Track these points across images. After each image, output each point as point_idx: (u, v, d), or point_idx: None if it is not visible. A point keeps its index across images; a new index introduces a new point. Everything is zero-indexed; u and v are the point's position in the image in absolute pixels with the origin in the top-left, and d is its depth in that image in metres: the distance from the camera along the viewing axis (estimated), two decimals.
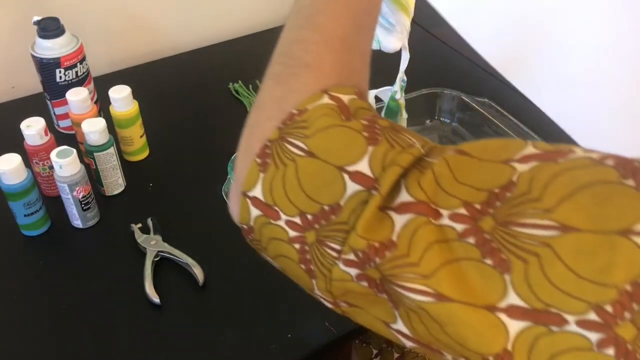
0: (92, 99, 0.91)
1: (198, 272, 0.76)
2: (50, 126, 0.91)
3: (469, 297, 0.32)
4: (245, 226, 0.42)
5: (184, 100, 1.07)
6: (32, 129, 0.80)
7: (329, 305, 0.41)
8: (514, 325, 0.31)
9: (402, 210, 0.35)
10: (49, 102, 0.96)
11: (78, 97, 0.86)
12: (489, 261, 0.32)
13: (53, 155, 0.77)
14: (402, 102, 0.78)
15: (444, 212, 0.34)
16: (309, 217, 0.38)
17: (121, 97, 0.87)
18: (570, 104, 1.44)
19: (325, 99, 0.40)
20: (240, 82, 1.09)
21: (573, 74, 1.67)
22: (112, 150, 0.84)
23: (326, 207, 0.37)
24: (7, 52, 1.04)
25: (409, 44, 0.73)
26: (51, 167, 0.80)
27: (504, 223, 0.32)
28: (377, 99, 0.83)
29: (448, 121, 1.05)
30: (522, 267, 0.31)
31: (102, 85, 0.97)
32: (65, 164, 0.76)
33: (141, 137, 0.92)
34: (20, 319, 0.73)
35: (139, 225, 0.82)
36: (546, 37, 1.61)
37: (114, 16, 1.11)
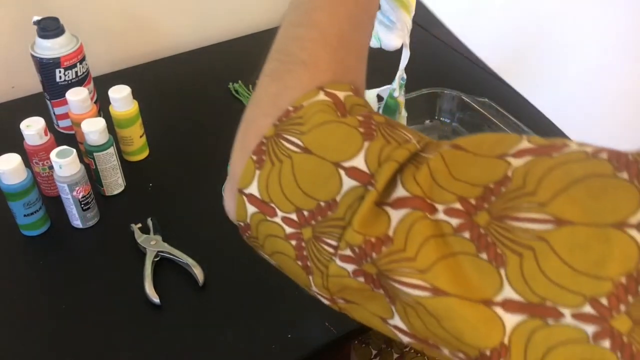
0: (91, 99, 0.91)
1: (198, 272, 0.76)
2: (50, 126, 0.91)
3: (465, 291, 0.32)
4: (242, 223, 0.42)
5: (184, 100, 1.07)
6: (32, 129, 0.80)
7: (326, 302, 0.41)
8: (510, 319, 0.31)
9: (398, 205, 0.35)
10: (48, 102, 0.96)
11: (78, 97, 0.86)
12: (484, 255, 0.32)
13: (53, 155, 0.77)
14: (401, 100, 0.78)
15: (440, 207, 0.34)
16: (305, 213, 0.38)
17: (121, 97, 0.87)
18: (569, 105, 1.44)
19: (321, 96, 0.40)
20: (240, 82, 1.09)
21: (572, 75, 1.67)
22: (111, 150, 0.83)
23: (322, 203, 0.37)
24: (7, 52, 1.04)
25: (409, 43, 0.73)
26: (51, 167, 0.80)
27: (499, 217, 0.32)
28: (380, 98, 0.82)
29: (448, 121, 1.05)
30: (517, 261, 0.31)
31: (101, 85, 0.97)
32: (65, 164, 0.76)
33: (141, 137, 0.92)
34: (20, 319, 0.73)
35: (139, 225, 0.82)
36: (545, 40, 1.61)
37: (114, 16, 1.11)
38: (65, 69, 0.91)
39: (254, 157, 0.40)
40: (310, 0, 0.44)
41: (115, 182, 0.87)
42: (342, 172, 0.37)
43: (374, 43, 0.70)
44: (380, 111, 0.79)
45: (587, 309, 0.29)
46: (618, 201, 0.30)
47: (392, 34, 0.69)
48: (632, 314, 0.29)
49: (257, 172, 0.40)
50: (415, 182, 0.35)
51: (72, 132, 0.92)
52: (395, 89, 0.76)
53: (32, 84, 0.98)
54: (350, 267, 0.37)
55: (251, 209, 0.41)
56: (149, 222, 0.82)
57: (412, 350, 0.84)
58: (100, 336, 0.71)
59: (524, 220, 0.31)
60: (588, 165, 0.32)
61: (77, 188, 0.78)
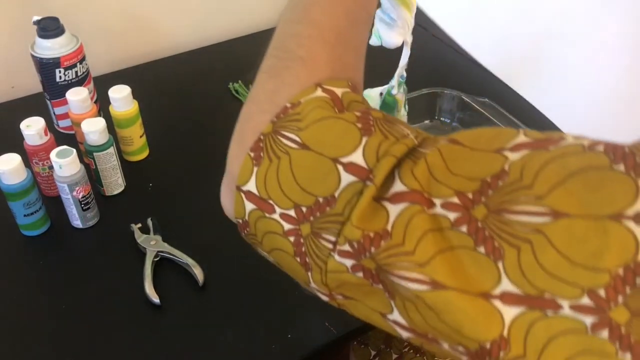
0: (91, 99, 0.91)
1: (198, 272, 0.75)
2: (50, 126, 0.91)
3: (464, 285, 0.32)
4: (240, 221, 0.42)
5: (184, 100, 1.07)
6: (32, 128, 0.80)
7: (325, 299, 0.41)
8: (509, 312, 0.31)
9: (396, 200, 0.35)
10: (48, 102, 0.96)
11: (78, 97, 0.86)
12: (481, 249, 0.32)
13: (53, 155, 0.77)
14: (400, 97, 0.77)
15: (437, 201, 0.34)
16: (304, 209, 0.38)
17: (121, 97, 0.87)
18: (569, 105, 1.44)
19: (319, 92, 0.40)
20: (240, 82, 1.09)
21: (572, 75, 1.67)
22: (111, 150, 0.83)
23: (321, 199, 0.37)
24: (6, 52, 1.04)
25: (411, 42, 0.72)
26: (51, 167, 0.80)
27: (496, 211, 0.32)
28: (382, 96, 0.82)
29: (448, 121, 1.05)
30: (515, 254, 0.31)
31: (101, 85, 0.97)
32: (65, 164, 0.76)
33: (141, 137, 0.92)
34: (20, 319, 0.73)
35: (139, 225, 0.81)
36: (545, 41, 1.61)
37: (114, 16, 1.11)
38: (65, 68, 0.91)
39: (252, 154, 0.40)
40: None
41: (115, 182, 0.87)
42: (340, 168, 0.37)
43: (374, 41, 0.70)
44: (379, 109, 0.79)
45: (585, 300, 0.30)
46: (615, 193, 0.30)
47: (393, 31, 0.69)
48: (630, 305, 0.29)
49: (255, 169, 0.40)
50: (413, 176, 0.35)
51: (72, 132, 0.92)
52: (393, 86, 0.76)
53: (32, 83, 0.98)
54: (349, 263, 0.37)
55: (249, 206, 0.41)
56: (149, 222, 0.82)
57: (411, 351, 0.83)
58: (100, 336, 0.71)
59: (521, 214, 0.32)
60: (585, 158, 0.32)
61: (77, 188, 0.78)
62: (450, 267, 0.33)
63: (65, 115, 0.93)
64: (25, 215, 0.79)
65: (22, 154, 0.77)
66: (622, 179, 0.30)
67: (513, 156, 0.33)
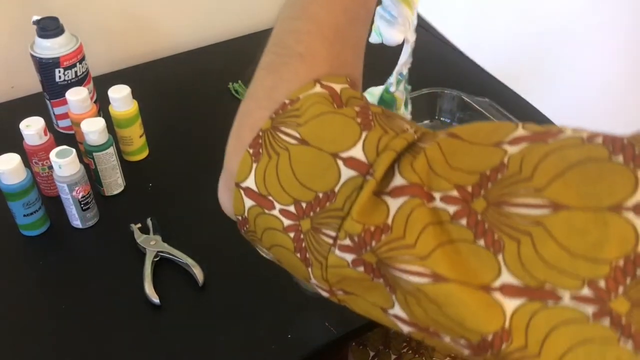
0: (91, 99, 0.91)
1: (198, 273, 0.75)
2: (50, 126, 0.91)
3: (464, 277, 0.32)
4: (239, 217, 0.42)
5: (184, 100, 1.07)
6: (32, 128, 0.80)
7: (325, 294, 0.41)
8: (509, 304, 0.31)
9: (396, 193, 0.35)
10: (48, 102, 0.96)
11: (77, 97, 0.86)
12: (481, 242, 0.32)
13: (52, 155, 0.77)
14: (400, 96, 0.77)
15: (437, 195, 0.34)
16: (304, 205, 0.38)
17: (120, 96, 0.87)
18: (569, 105, 1.44)
19: (317, 88, 0.40)
20: (240, 82, 1.09)
21: (572, 76, 1.67)
22: (111, 150, 0.83)
23: (320, 195, 0.37)
24: (6, 52, 1.04)
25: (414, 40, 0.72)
26: (50, 167, 0.80)
27: (496, 204, 0.32)
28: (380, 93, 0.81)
29: (448, 121, 1.05)
30: (515, 246, 0.31)
31: (101, 85, 0.97)
32: (64, 164, 0.76)
33: (141, 137, 0.92)
34: (20, 319, 0.73)
35: (139, 225, 0.81)
36: (544, 42, 1.61)
37: (114, 16, 1.11)
38: (65, 68, 0.91)
39: (251, 151, 0.40)
40: None
41: (114, 182, 0.87)
42: (340, 163, 0.37)
43: (375, 38, 0.70)
44: None
45: (586, 291, 0.30)
46: (614, 185, 0.30)
47: (394, 29, 0.68)
48: (630, 295, 0.29)
49: (254, 165, 0.40)
50: (413, 170, 0.35)
51: (72, 132, 0.92)
52: (392, 83, 0.75)
53: (31, 83, 0.98)
54: (349, 257, 0.37)
55: (248, 202, 0.40)
56: (149, 222, 0.82)
57: (410, 352, 0.83)
58: (100, 336, 0.71)
59: (521, 206, 0.32)
60: (583, 150, 0.32)
61: (76, 188, 0.78)
62: (450, 260, 0.33)
63: (65, 115, 0.93)
64: (24, 215, 0.79)
65: (21, 154, 0.77)
66: (621, 171, 0.30)
67: (512, 149, 0.33)
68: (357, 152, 0.37)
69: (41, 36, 0.89)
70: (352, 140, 0.38)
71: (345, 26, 0.44)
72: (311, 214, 0.38)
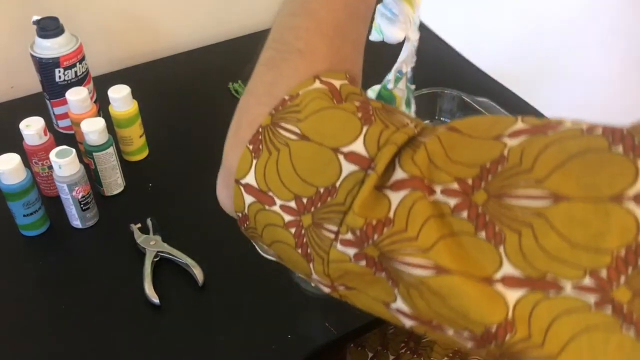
0: (91, 99, 0.91)
1: (198, 273, 0.75)
2: (50, 126, 0.91)
3: (467, 269, 0.32)
4: (239, 214, 0.42)
5: (184, 100, 1.07)
6: (32, 128, 0.80)
7: (326, 290, 0.41)
8: (512, 295, 0.31)
9: (397, 187, 0.35)
10: (48, 102, 0.96)
11: (77, 97, 0.86)
12: (482, 234, 0.32)
13: (52, 155, 0.77)
14: (399, 94, 0.76)
15: (437, 188, 0.34)
16: (305, 200, 0.38)
17: (120, 96, 0.87)
18: (569, 105, 1.44)
19: (317, 84, 0.40)
20: (240, 82, 1.09)
21: (571, 76, 1.67)
22: (111, 150, 0.83)
23: (321, 190, 0.37)
24: (6, 52, 1.04)
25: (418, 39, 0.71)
26: (50, 167, 0.80)
27: (496, 196, 0.32)
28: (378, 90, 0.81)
29: (448, 121, 1.05)
30: (516, 238, 0.31)
31: (101, 85, 0.97)
32: (64, 164, 0.76)
33: (140, 137, 0.92)
34: (20, 319, 0.73)
35: (139, 225, 0.81)
36: (544, 42, 1.61)
37: (114, 16, 1.11)
38: (65, 68, 0.91)
39: (250, 147, 0.40)
40: None
41: (114, 182, 0.87)
42: (341, 158, 0.37)
43: (376, 36, 0.69)
44: None
45: (587, 281, 0.30)
46: (614, 175, 0.30)
47: (394, 26, 0.68)
48: (632, 285, 0.29)
49: (254, 161, 0.40)
50: (414, 163, 0.35)
51: (72, 132, 0.91)
52: (389, 80, 0.75)
53: (31, 83, 0.98)
54: (351, 251, 0.37)
55: (249, 199, 0.40)
56: (149, 222, 0.82)
57: (408, 352, 0.83)
58: (100, 336, 0.71)
59: (522, 198, 0.32)
60: (583, 141, 0.32)
61: (76, 188, 0.78)
62: (452, 252, 0.33)
63: (65, 115, 0.93)
64: (24, 215, 0.79)
65: (21, 154, 0.77)
66: (621, 161, 0.30)
67: (512, 142, 0.34)
68: (358, 146, 0.37)
69: (41, 36, 0.89)
70: (353, 134, 0.37)
71: (345, 22, 0.44)
72: (312, 209, 0.38)
